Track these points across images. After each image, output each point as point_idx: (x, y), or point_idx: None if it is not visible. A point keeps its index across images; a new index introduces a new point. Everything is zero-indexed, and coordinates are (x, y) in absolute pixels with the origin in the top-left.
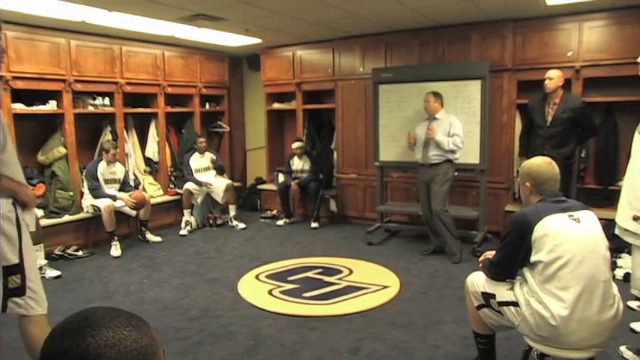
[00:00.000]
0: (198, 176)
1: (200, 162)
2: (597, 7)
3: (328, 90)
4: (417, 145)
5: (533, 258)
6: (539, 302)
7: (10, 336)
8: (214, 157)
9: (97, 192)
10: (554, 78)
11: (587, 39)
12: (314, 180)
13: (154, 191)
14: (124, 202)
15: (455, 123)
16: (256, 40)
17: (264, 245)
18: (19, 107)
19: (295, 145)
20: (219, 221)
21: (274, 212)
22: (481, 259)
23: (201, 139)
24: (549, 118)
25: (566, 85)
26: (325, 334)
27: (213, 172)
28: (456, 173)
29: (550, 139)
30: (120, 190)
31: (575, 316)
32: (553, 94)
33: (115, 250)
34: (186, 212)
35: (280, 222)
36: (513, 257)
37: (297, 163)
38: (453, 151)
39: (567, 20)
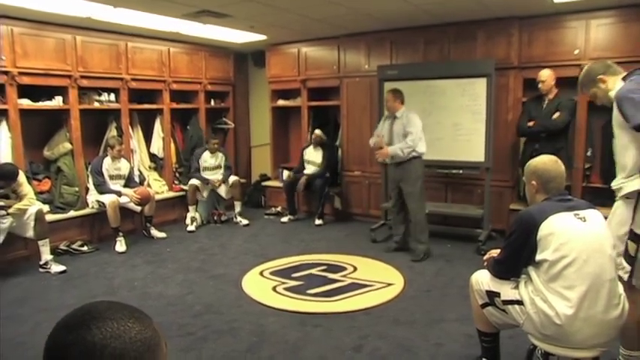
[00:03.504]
0: (205, 174)
1: (210, 161)
2: (604, 5)
3: (333, 87)
4: (383, 145)
5: (538, 257)
6: (544, 301)
7: (12, 331)
8: (225, 162)
9: (102, 188)
10: (546, 79)
11: (594, 37)
12: (320, 177)
13: (158, 187)
14: (128, 197)
15: (410, 121)
16: (261, 37)
17: (268, 242)
18: (26, 103)
19: (317, 132)
20: (223, 217)
21: (278, 209)
22: (486, 257)
23: (214, 141)
24: (543, 111)
25: (573, 83)
26: (328, 331)
27: (221, 170)
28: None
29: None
30: (125, 186)
31: (580, 315)
32: (548, 93)
33: (120, 245)
34: (191, 208)
35: (284, 219)
36: (518, 256)
37: (309, 153)
38: (413, 150)
39: (574, 18)
